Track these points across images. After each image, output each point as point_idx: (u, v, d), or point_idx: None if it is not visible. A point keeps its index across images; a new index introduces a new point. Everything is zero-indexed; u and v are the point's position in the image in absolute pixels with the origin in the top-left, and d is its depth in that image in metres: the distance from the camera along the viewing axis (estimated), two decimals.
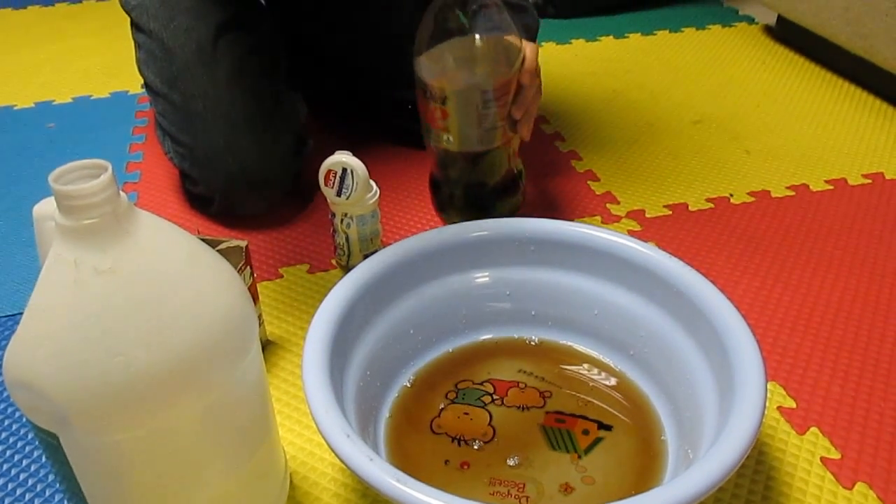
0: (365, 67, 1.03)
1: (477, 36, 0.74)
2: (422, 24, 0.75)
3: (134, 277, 0.40)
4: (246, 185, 0.85)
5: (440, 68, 0.75)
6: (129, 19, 0.93)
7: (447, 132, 0.77)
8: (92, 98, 1.25)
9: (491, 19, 0.74)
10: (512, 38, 0.75)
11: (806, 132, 1.10)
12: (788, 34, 1.39)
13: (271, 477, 0.53)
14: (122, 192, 0.40)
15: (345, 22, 1.03)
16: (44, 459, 0.62)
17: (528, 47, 0.77)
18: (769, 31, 1.46)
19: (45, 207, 0.43)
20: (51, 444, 0.42)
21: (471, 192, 0.82)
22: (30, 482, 0.60)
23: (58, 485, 0.57)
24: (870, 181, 0.97)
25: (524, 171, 0.85)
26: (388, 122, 1.05)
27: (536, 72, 0.78)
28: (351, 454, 0.46)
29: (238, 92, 0.85)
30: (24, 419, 0.65)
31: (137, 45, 0.92)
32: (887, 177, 0.98)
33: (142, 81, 0.92)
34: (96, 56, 1.43)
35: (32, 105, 1.23)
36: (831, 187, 0.96)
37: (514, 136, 0.79)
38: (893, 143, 1.06)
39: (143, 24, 0.89)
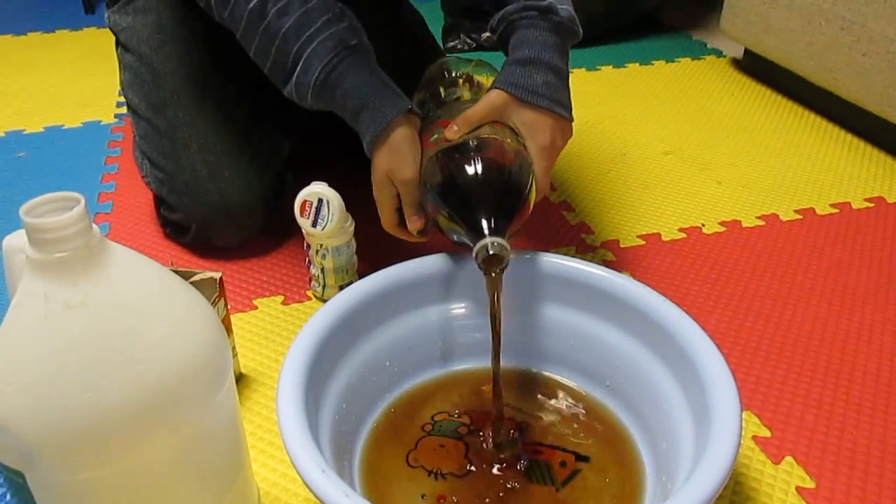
0: None
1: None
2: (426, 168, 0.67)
3: (105, 311, 0.39)
4: (225, 216, 0.85)
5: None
6: (110, 44, 0.92)
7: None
8: (64, 127, 1.24)
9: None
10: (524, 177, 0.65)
11: (774, 163, 1.12)
12: (755, 67, 1.42)
13: None
14: (94, 225, 0.39)
15: None
16: (8, 498, 0.60)
17: (539, 175, 0.68)
18: (737, 63, 1.50)
19: (16, 240, 0.42)
20: (16, 483, 0.40)
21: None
22: None
23: None
24: (837, 210, 0.99)
25: None
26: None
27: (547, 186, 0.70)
28: (326, 490, 0.45)
29: (225, 123, 0.85)
30: None
31: (123, 66, 0.91)
32: (854, 206, 1.00)
33: (115, 111, 0.91)
34: (68, 85, 1.42)
35: (3, 134, 1.22)
36: (800, 217, 0.98)
37: None
38: (859, 174, 1.09)
39: (132, 46, 0.89)
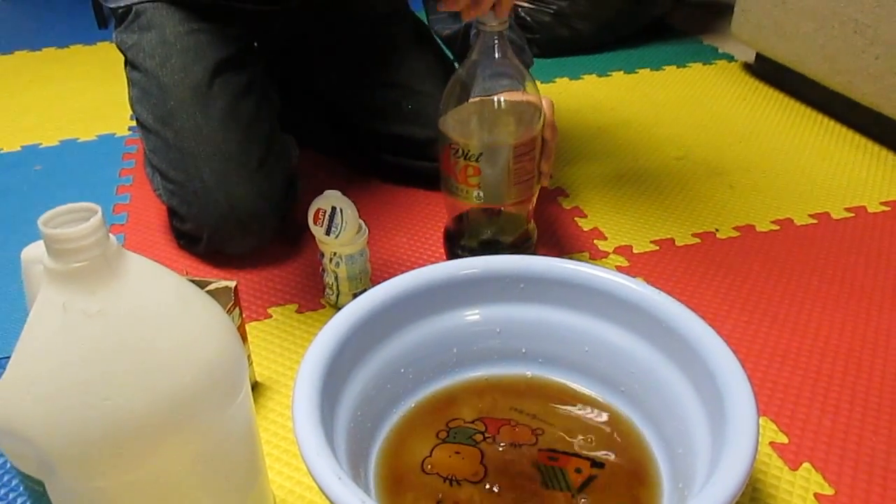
0: (355, 102, 1.04)
1: (502, 98, 0.75)
2: (448, 86, 0.76)
3: (123, 320, 0.39)
4: (235, 224, 0.85)
5: (468, 127, 0.77)
6: (122, 58, 0.94)
7: (478, 188, 0.77)
8: (79, 141, 1.25)
9: (506, 67, 0.75)
10: (532, 91, 0.76)
11: (788, 167, 1.11)
12: (767, 71, 1.42)
13: None
14: (111, 235, 0.40)
15: (334, 55, 1.04)
16: None
17: (545, 101, 0.78)
18: (748, 68, 1.49)
19: (34, 251, 0.43)
20: (36, 492, 0.41)
21: (486, 249, 0.82)
22: None
23: None
24: (852, 215, 0.99)
25: (536, 231, 0.86)
26: (377, 158, 1.06)
27: (554, 124, 0.80)
28: (343, 496, 0.45)
29: (231, 131, 0.86)
30: (10, 466, 0.64)
31: (131, 83, 0.93)
32: (869, 210, 1.00)
33: (129, 123, 0.93)
34: (83, 99, 1.43)
35: (19, 148, 1.23)
36: (815, 221, 0.98)
37: (535, 193, 0.80)
38: (874, 177, 1.08)
39: (138, 62, 0.90)
